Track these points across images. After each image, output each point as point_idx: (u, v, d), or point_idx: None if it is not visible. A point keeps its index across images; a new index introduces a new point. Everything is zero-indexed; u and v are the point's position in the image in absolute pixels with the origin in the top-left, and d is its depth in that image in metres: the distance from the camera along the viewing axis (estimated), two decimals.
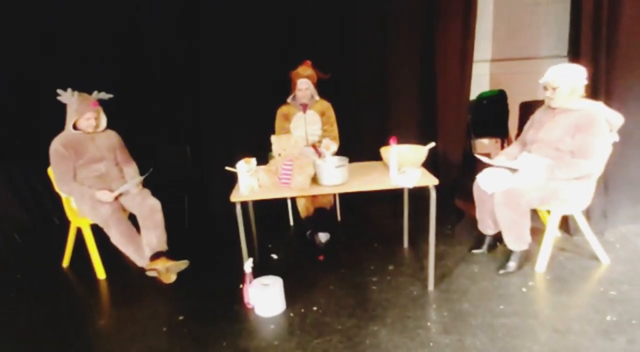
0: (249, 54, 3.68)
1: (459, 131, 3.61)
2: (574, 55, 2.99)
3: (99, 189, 2.77)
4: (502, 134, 4.73)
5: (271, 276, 2.48)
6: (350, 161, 2.54)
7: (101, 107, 2.91)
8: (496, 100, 4.63)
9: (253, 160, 2.49)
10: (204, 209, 4.00)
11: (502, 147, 4.68)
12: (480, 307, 2.33)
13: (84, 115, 2.80)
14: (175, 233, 2.98)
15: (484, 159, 2.71)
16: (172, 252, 2.84)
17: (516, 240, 2.60)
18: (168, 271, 2.72)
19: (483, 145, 4.73)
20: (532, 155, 2.65)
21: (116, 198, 2.80)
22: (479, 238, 3.00)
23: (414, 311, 2.32)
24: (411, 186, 2.39)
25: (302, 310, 2.40)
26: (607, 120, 2.47)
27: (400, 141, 2.58)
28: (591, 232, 2.68)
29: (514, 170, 2.63)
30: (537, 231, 2.86)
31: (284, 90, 3.33)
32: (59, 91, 2.77)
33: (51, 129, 2.87)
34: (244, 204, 2.58)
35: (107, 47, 3.71)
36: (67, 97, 2.77)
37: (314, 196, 3.19)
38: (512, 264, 2.65)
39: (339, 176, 2.41)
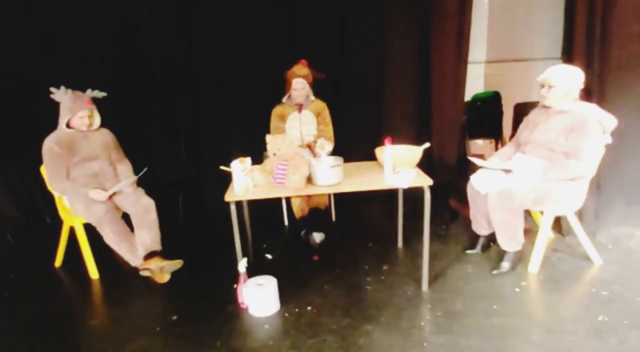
0: (245, 53, 3.67)
1: (453, 132, 3.62)
2: (568, 57, 3.02)
3: (92, 188, 2.75)
4: (496, 135, 4.76)
5: (265, 276, 2.48)
6: (345, 161, 2.54)
7: (95, 106, 2.89)
8: (491, 101, 4.66)
9: (248, 160, 2.49)
10: (199, 208, 3.99)
11: (497, 148, 4.70)
12: (474, 307, 2.34)
13: (77, 114, 2.78)
14: (169, 233, 2.97)
15: (477, 162, 2.72)
16: (166, 252, 2.83)
17: (510, 240, 2.62)
18: (162, 270, 2.71)
19: (478, 146, 4.75)
20: (526, 156, 2.67)
21: (110, 197, 2.79)
22: (473, 238, 3.01)
23: (408, 311, 2.33)
24: (406, 186, 2.39)
25: (297, 310, 2.40)
26: (600, 122, 2.49)
27: (395, 141, 2.58)
28: (584, 233, 2.70)
29: (507, 171, 2.64)
30: (530, 232, 2.88)
31: (279, 90, 3.33)
32: (51, 89, 2.75)
33: (44, 127, 2.84)
34: (239, 204, 2.58)
35: (103, 46, 3.69)
36: (60, 95, 2.75)
37: (308, 196, 3.19)
38: (505, 265, 2.67)
39: (333, 176, 2.41)
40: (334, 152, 3.05)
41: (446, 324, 2.20)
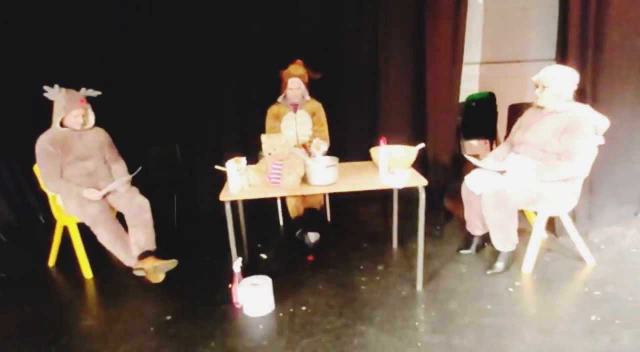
0: (240, 52, 3.67)
1: (448, 133, 3.64)
2: (562, 58, 3.04)
3: (86, 188, 2.74)
4: (491, 136, 4.79)
5: (260, 276, 2.48)
6: (340, 161, 2.54)
7: (89, 105, 2.88)
8: (485, 102, 4.68)
9: (243, 160, 2.48)
10: (193, 208, 3.98)
11: (491, 148, 4.73)
12: (468, 307, 2.35)
13: (71, 113, 2.76)
14: (163, 232, 2.96)
15: (473, 160, 2.74)
16: (160, 252, 2.81)
17: (504, 241, 2.63)
18: (156, 270, 2.70)
19: (472, 146, 4.78)
20: (520, 156, 2.69)
21: (104, 196, 2.77)
22: (467, 239, 3.02)
23: (402, 311, 2.34)
24: (401, 186, 2.40)
25: (291, 310, 2.40)
26: (593, 124, 2.51)
27: (390, 142, 2.59)
28: (577, 233, 2.72)
29: (501, 171, 2.66)
30: (524, 232, 2.90)
31: (274, 90, 3.32)
32: (45, 88, 2.72)
33: (38, 125, 2.82)
34: (234, 204, 2.57)
35: (98, 45, 3.67)
36: (54, 93, 2.73)
37: (303, 196, 3.19)
38: (499, 265, 2.68)
39: (329, 176, 2.41)
40: (329, 152, 3.05)
41: (440, 324, 2.21)
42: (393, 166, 2.51)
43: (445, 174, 3.72)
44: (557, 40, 3.17)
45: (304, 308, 2.41)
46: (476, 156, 2.82)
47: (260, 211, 3.77)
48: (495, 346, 2.03)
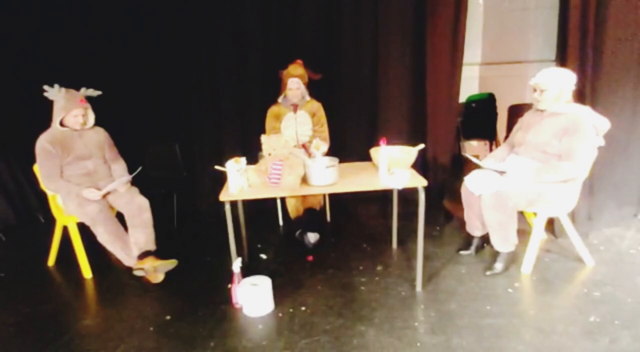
0: (240, 52, 3.67)
1: (448, 133, 3.64)
2: (562, 60, 3.04)
3: (86, 187, 2.74)
4: (490, 137, 4.79)
5: (260, 276, 2.48)
6: (340, 162, 2.54)
7: (89, 104, 2.88)
8: (485, 103, 4.69)
9: (243, 160, 2.49)
10: (193, 208, 3.98)
11: (491, 149, 4.73)
12: (467, 307, 2.35)
13: (71, 112, 2.76)
14: (163, 232, 2.96)
15: (474, 160, 2.74)
16: (160, 252, 2.82)
17: (503, 241, 2.63)
18: (156, 270, 2.70)
19: (472, 147, 4.78)
20: (520, 157, 2.69)
21: (104, 196, 2.77)
22: (467, 239, 3.02)
23: (401, 311, 2.34)
24: (400, 187, 2.40)
25: (291, 310, 2.40)
26: (593, 125, 2.52)
27: (390, 142, 2.59)
28: (576, 234, 2.72)
29: (501, 172, 2.66)
30: (523, 233, 2.90)
31: (274, 90, 3.33)
32: (45, 87, 2.72)
33: (37, 125, 2.82)
34: (233, 204, 2.57)
35: (98, 45, 3.67)
36: (54, 93, 2.73)
37: (303, 196, 3.19)
38: (498, 265, 2.68)
39: (329, 177, 2.41)
40: (329, 153, 3.06)
41: (440, 324, 2.21)
42: (393, 167, 2.51)
43: (444, 175, 3.72)
44: (557, 41, 3.17)
45: (303, 308, 2.41)
46: (476, 157, 2.83)
47: (260, 211, 3.78)
48: (495, 346, 2.03)
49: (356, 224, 3.66)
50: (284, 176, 2.39)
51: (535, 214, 2.71)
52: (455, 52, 3.36)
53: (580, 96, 2.95)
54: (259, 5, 3.57)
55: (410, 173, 2.52)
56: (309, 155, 3.02)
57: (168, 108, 3.85)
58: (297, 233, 3.25)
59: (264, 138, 2.53)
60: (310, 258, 3.02)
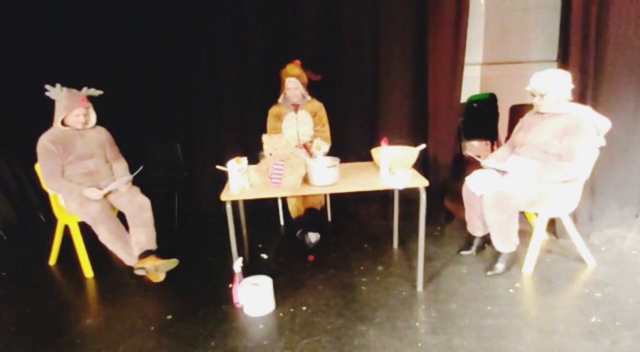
0: (241, 52, 3.67)
1: (449, 133, 3.63)
2: (563, 60, 3.03)
3: (87, 187, 2.74)
4: (492, 137, 4.79)
5: (261, 276, 2.48)
6: (341, 162, 2.54)
7: (91, 104, 2.88)
8: (486, 103, 4.69)
9: (244, 160, 2.49)
10: (194, 207, 3.98)
11: (492, 149, 4.73)
12: (468, 307, 2.35)
13: (73, 112, 2.76)
14: (164, 232, 2.96)
15: (477, 158, 2.74)
16: (161, 251, 2.82)
17: (504, 242, 2.63)
18: (157, 269, 2.70)
19: (473, 147, 4.78)
20: (521, 157, 2.69)
21: (105, 196, 2.77)
22: (468, 240, 3.02)
23: (402, 312, 2.34)
24: (401, 187, 2.40)
25: (292, 310, 2.40)
26: (594, 125, 2.51)
27: (391, 143, 2.59)
28: (577, 234, 2.72)
29: (502, 172, 2.66)
30: (524, 233, 2.90)
31: (275, 90, 3.33)
32: (47, 87, 2.72)
33: (39, 124, 2.83)
34: (234, 204, 2.58)
35: (99, 44, 3.68)
36: (56, 92, 2.73)
37: (304, 196, 3.19)
38: (500, 266, 2.68)
39: (330, 177, 2.41)
40: (330, 153, 3.05)
41: (440, 324, 2.21)
42: (394, 167, 2.51)
43: (446, 175, 3.71)
44: (558, 41, 3.17)
45: (304, 308, 2.41)
46: (477, 157, 2.83)
47: (260, 211, 3.78)
48: (496, 346, 2.03)
49: (357, 224, 3.66)
50: (285, 176, 2.39)
51: (536, 214, 2.70)
52: (456, 52, 3.36)
53: (582, 96, 2.94)
54: (259, 5, 3.57)
55: (411, 173, 2.52)
56: (310, 155, 3.02)
57: (169, 108, 3.85)
58: (298, 233, 3.25)
59: (265, 138, 2.53)
60: (311, 258, 3.02)
